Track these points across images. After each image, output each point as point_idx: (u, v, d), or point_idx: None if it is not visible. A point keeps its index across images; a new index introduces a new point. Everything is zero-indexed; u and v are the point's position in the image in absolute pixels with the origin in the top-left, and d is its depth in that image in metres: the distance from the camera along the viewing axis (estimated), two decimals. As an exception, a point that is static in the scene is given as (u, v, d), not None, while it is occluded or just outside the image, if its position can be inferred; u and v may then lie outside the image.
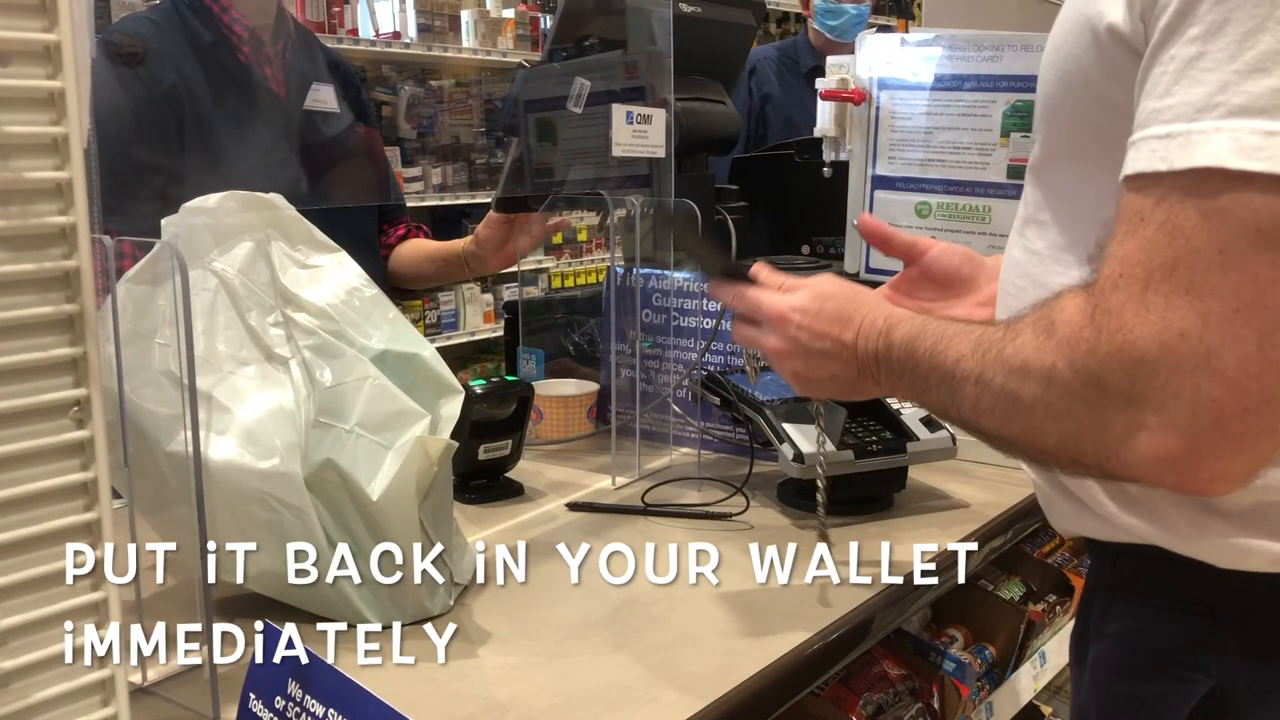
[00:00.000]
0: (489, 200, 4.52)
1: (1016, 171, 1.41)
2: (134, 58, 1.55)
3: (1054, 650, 1.47)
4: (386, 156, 2.12)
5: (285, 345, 1.01)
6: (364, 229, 1.81)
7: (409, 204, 3.99)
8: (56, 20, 0.58)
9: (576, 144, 1.63)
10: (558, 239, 4.78)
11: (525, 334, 1.80)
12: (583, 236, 4.82)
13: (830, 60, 1.56)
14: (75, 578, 0.63)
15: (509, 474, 1.40)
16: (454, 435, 1.01)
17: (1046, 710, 1.58)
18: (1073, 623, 1.56)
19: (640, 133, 1.37)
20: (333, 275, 1.04)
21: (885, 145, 1.51)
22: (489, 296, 4.54)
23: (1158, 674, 0.80)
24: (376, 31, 3.94)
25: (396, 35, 3.98)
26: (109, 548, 0.63)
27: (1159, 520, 0.77)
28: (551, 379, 1.71)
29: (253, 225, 1.03)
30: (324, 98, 1.73)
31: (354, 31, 3.81)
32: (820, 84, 1.54)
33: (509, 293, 4.60)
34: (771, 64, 3.14)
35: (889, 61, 1.48)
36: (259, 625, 0.81)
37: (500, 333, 4.46)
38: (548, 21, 4.58)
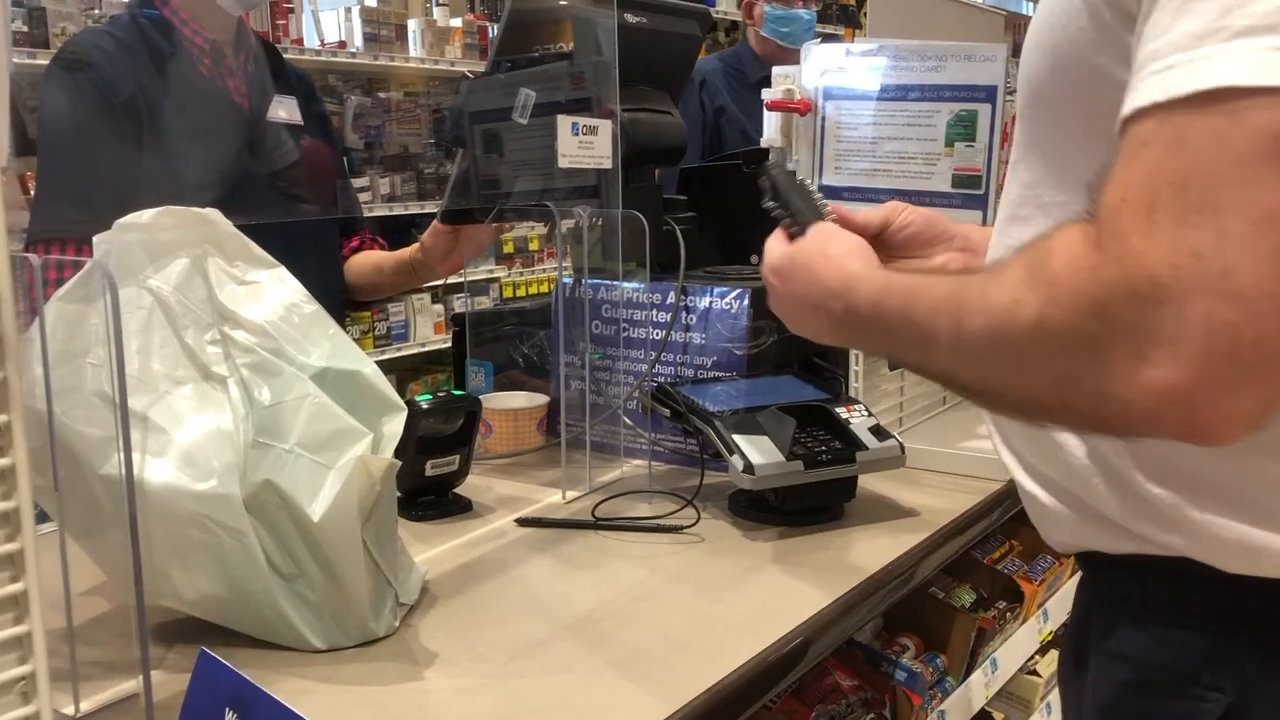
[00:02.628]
0: (437, 210, 4.49)
1: (961, 181, 1.42)
2: (84, 66, 1.52)
3: (1005, 657, 1.48)
4: (345, 169, 2.11)
5: (223, 364, 0.98)
6: (327, 241, 1.80)
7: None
8: (-30, 34, 0.56)
9: (522, 155, 1.61)
10: (509, 248, 4.76)
11: (474, 346, 1.79)
12: (534, 246, 4.81)
13: (775, 71, 1.56)
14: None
15: (457, 489, 1.38)
16: (399, 451, 0.99)
17: (999, 716, 1.58)
18: (1039, 630, 1.57)
19: (586, 144, 1.36)
20: (271, 291, 1.02)
21: (831, 155, 1.51)
22: (439, 307, 4.50)
23: (1173, 694, 0.78)
24: (322, 41, 3.90)
25: (342, 45, 3.94)
26: (33, 578, 0.61)
27: (1171, 523, 0.75)
28: (500, 391, 1.70)
29: (188, 241, 1.01)
30: (286, 111, 1.71)
31: (299, 41, 3.77)
32: (766, 94, 1.53)
33: (459, 303, 4.57)
34: (719, 75, 3.11)
35: (834, 71, 1.49)
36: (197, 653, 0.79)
37: (450, 343, 4.44)
38: (495, 30, 4.56)
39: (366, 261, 1.83)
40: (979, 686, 1.40)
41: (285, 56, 1.81)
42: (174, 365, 0.97)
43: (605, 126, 1.39)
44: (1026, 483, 0.89)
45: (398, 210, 4.27)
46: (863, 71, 1.47)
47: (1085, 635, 0.86)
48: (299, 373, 0.96)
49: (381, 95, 4.45)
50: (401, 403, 0.99)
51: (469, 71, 1.64)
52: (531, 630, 1.02)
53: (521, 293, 4.67)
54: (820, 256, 0.95)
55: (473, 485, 1.40)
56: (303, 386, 0.95)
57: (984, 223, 1.41)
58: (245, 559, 0.94)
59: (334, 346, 0.99)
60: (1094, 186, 0.65)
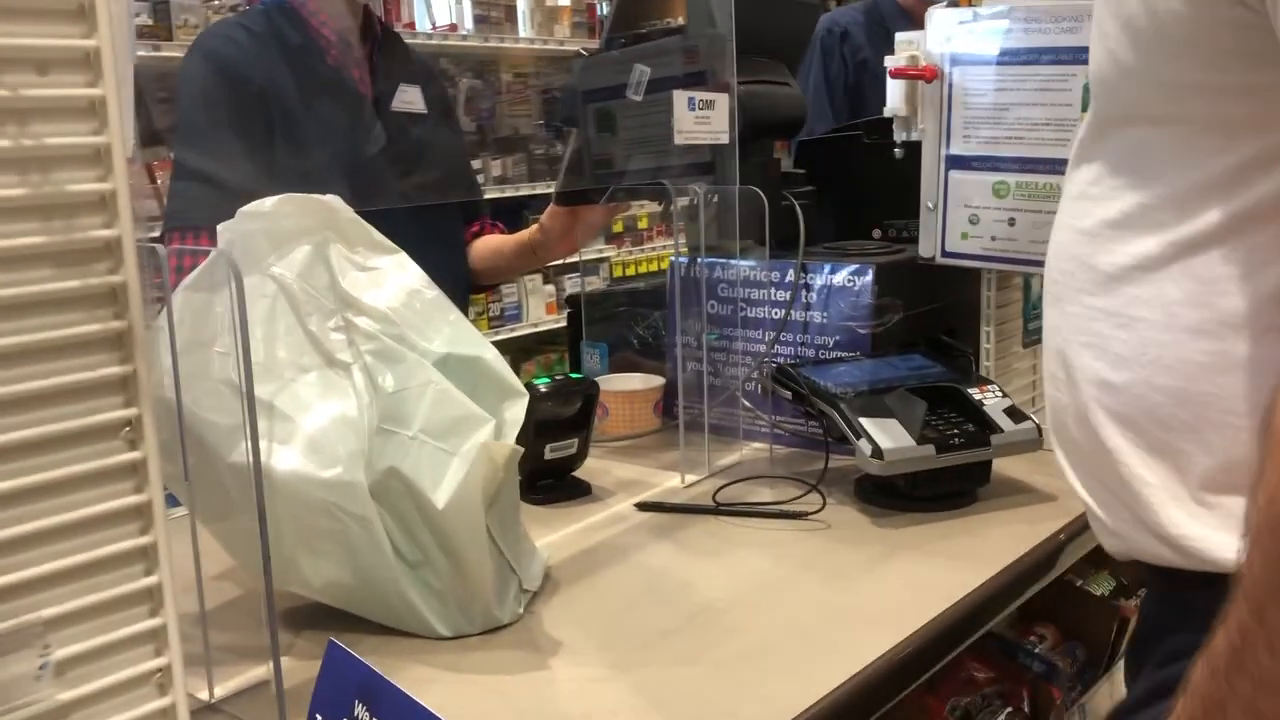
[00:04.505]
0: (549, 191, 4.49)
1: (1100, 147, 1.34)
2: (218, 57, 1.55)
3: (1148, 647, 1.41)
4: (467, 156, 2.12)
5: (346, 350, 0.98)
6: (452, 228, 1.80)
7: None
8: (95, 25, 0.56)
9: (636, 133, 1.59)
10: (618, 227, 4.75)
11: (588, 326, 1.77)
12: (643, 224, 4.79)
13: (899, 37, 1.49)
14: (132, 604, 0.60)
15: (576, 473, 1.37)
16: (518, 437, 0.97)
17: None
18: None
19: (703, 119, 1.33)
20: (393, 278, 1.01)
21: (959, 124, 1.44)
22: (551, 288, 4.52)
23: None
24: (433, 24, 3.93)
25: (453, 28, 3.97)
26: (166, 572, 0.60)
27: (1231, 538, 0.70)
28: (616, 373, 1.68)
29: (310, 228, 1.01)
30: (411, 99, 1.73)
31: (410, 25, 3.81)
32: (889, 62, 1.48)
33: (571, 284, 4.58)
34: (861, 29, 2.90)
35: (961, 36, 1.42)
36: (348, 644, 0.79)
37: (563, 324, 4.45)
38: (604, 8, 4.54)
39: (487, 246, 1.83)
40: (1120, 681, 1.33)
41: (399, 42, 1.83)
42: (299, 353, 0.97)
43: (722, 100, 1.36)
44: (1079, 488, 0.84)
45: (509, 192, 4.29)
46: (991, 35, 1.40)
47: (1155, 638, 0.81)
48: (422, 359, 0.95)
49: (490, 77, 4.47)
50: (523, 388, 0.98)
51: (583, 49, 1.61)
52: (656, 619, 1.00)
53: (630, 271, 4.66)
54: None
55: (590, 468, 1.39)
56: (425, 373, 0.94)
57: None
58: (371, 546, 0.94)
59: (455, 332, 0.98)
60: None
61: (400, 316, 0.98)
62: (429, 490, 0.91)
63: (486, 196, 4.19)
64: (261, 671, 0.91)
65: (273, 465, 0.92)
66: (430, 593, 0.96)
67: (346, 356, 0.98)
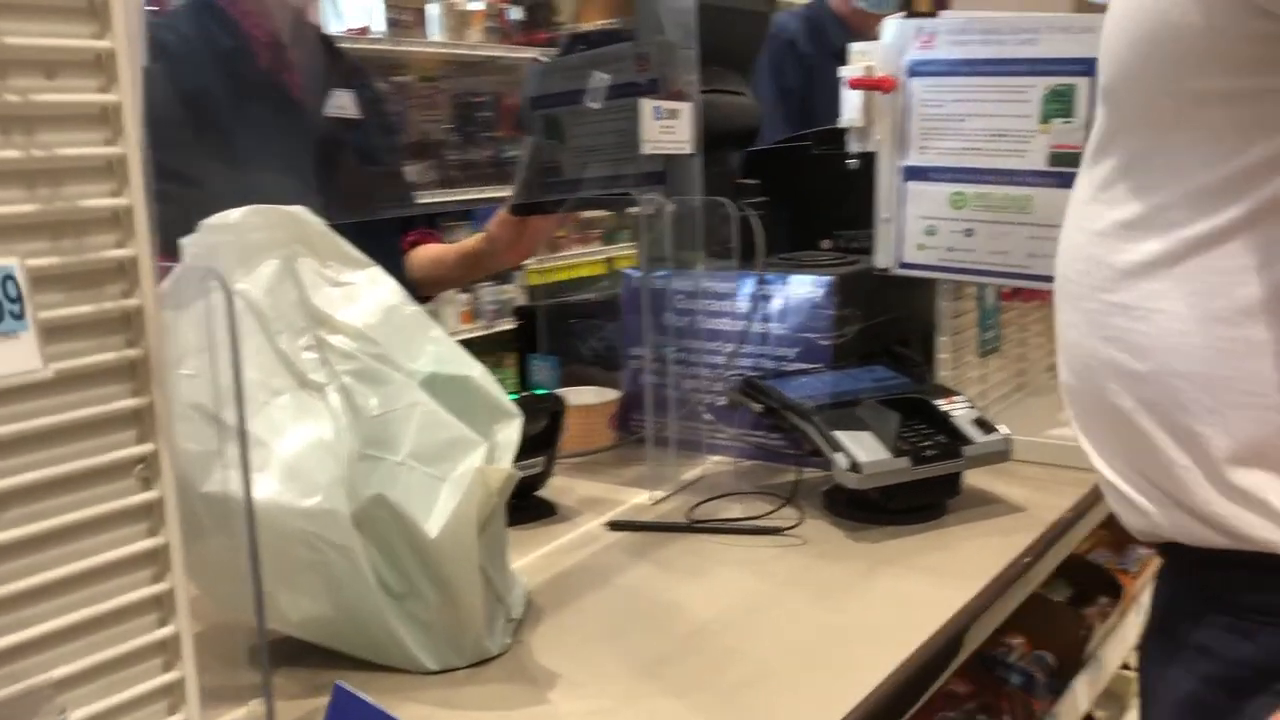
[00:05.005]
0: (463, 198, 4.41)
1: (1059, 159, 1.35)
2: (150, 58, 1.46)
3: (1107, 654, 1.43)
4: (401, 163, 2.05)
5: (320, 371, 0.93)
6: (388, 238, 1.74)
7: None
8: (109, 25, 0.51)
9: (588, 141, 1.55)
10: (533, 235, 4.68)
11: (530, 339, 1.73)
12: (560, 233, 4.73)
13: (854, 47, 1.49)
14: (146, 658, 0.55)
15: (539, 492, 1.33)
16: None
17: (1100, 715, 1.53)
18: (1140, 625, 1.51)
19: (668, 128, 1.30)
20: (368, 293, 0.96)
21: (916, 135, 1.45)
22: (466, 296, 4.44)
23: (1256, 690, 0.75)
24: (344, 27, 3.82)
25: (364, 30, 3.87)
26: (185, 621, 0.55)
27: (1264, 516, 0.73)
28: (567, 387, 1.64)
29: (278, 242, 0.95)
30: (345, 104, 1.66)
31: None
32: (845, 72, 1.47)
33: (487, 294, 4.51)
34: (805, 36, 2.88)
35: (918, 47, 1.42)
36: (331, 682, 0.74)
37: (478, 333, 4.39)
38: (516, 14, 4.49)
39: (427, 255, 1.78)
40: (1085, 686, 1.35)
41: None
42: (269, 374, 0.92)
43: (685, 110, 1.33)
44: (1106, 471, 0.86)
45: (422, 199, 4.20)
46: (949, 46, 1.41)
47: (1170, 628, 0.83)
48: (408, 379, 0.90)
49: (398, 80, 4.37)
50: (515, 409, 0.94)
51: (539, 56, 1.57)
52: (652, 645, 0.96)
53: (549, 280, 4.60)
54: None
55: (552, 487, 1.35)
56: (412, 394, 0.89)
57: (1083, 203, 1.35)
58: (353, 578, 0.88)
59: (440, 350, 0.94)
60: None
61: (380, 334, 0.93)
62: (420, 519, 0.87)
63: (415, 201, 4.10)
64: (240, 713, 0.85)
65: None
66: (417, 625, 0.91)
67: (320, 377, 0.93)
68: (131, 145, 0.52)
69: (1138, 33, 0.73)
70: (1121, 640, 1.47)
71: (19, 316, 0.42)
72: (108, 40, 0.51)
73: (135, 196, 0.52)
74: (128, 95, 0.51)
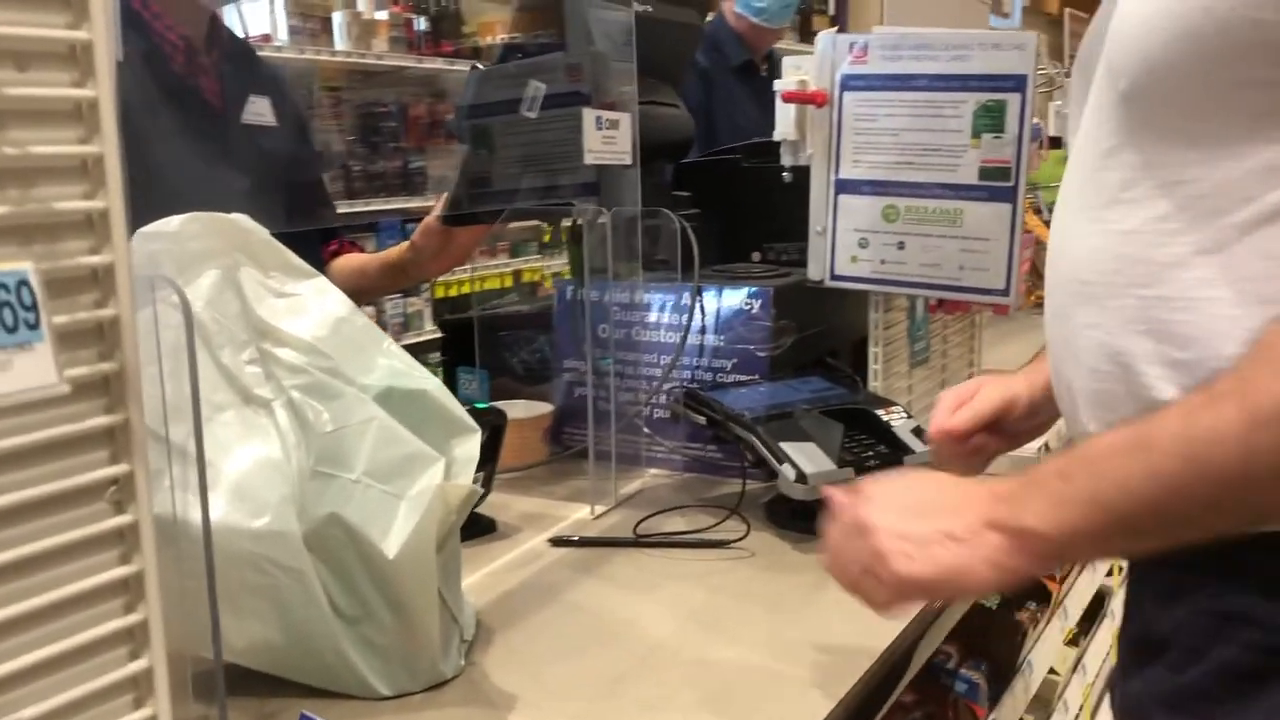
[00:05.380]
0: (367, 209, 4.31)
1: (989, 173, 1.38)
2: None
3: (1038, 659, 1.45)
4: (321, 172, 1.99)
5: (265, 385, 0.89)
6: (308, 249, 1.68)
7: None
8: (86, 14, 0.47)
9: (521, 151, 1.53)
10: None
11: (458, 352, 1.70)
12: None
13: (787, 61, 1.50)
14: (116, 695, 0.51)
15: (479, 509, 1.29)
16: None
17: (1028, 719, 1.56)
18: (1063, 629, 1.54)
19: (609, 139, 1.29)
20: (315, 304, 0.93)
21: (849, 148, 1.46)
22: (371, 309, 4.36)
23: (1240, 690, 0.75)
24: (246, 34, 3.72)
25: (266, 38, 3.78)
26: (159, 654, 0.52)
27: None
28: (497, 401, 1.61)
29: (218, 251, 0.91)
30: (262, 111, 1.60)
31: (221, 34, 3.59)
32: (779, 85, 1.48)
33: (391, 305, 4.43)
34: (704, 57, 2.92)
35: (852, 61, 1.44)
36: (280, 711, 0.70)
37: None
38: (422, 24, 4.43)
39: (349, 265, 1.73)
40: (1021, 693, 1.37)
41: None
42: (211, 389, 0.87)
43: (625, 120, 1.32)
44: None
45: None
46: (883, 61, 1.42)
47: (1175, 601, 0.80)
48: (361, 394, 0.87)
49: (301, 90, 4.28)
50: (474, 423, 0.91)
51: (475, 64, 1.55)
52: (610, 663, 0.94)
53: (455, 292, 4.54)
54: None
55: (489, 503, 1.32)
56: (366, 409, 0.86)
57: (1013, 216, 1.38)
58: (305, 601, 0.85)
59: (394, 363, 0.91)
60: None
61: (329, 347, 0.90)
62: (377, 539, 0.83)
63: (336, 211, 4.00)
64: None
65: (193, 516, 0.81)
66: (370, 649, 0.88)
67: (265, 392, 0.89)
68: (108, 144, 0.48)
69: (1175, 29, 0.73)
70: (1052, 645, 1.50)
71: (34, 326, 0.39)
72: (84, 31, 0.47)
73: (112, 199, 0.48)
74: (105, 90, 0.48)
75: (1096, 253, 0.80)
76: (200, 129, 1.51)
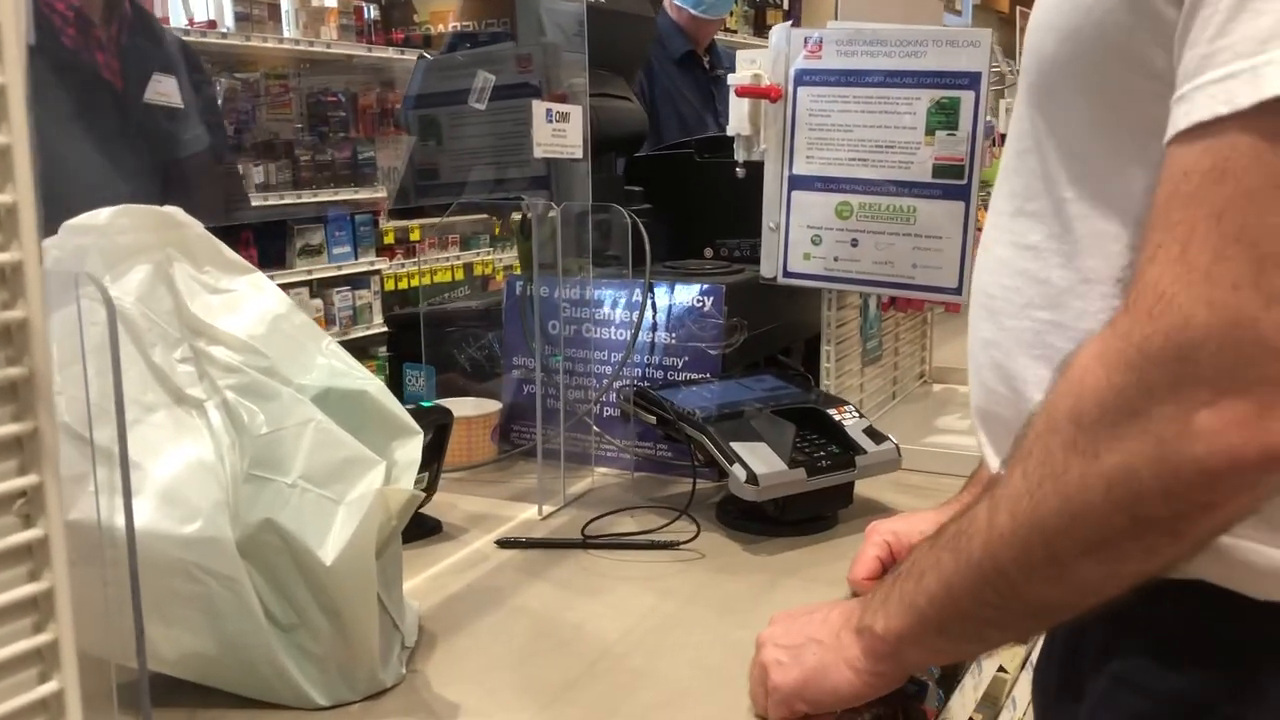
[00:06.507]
0: (315, 200, 4.25)
1: (942, 170, 1.37)
2: None
3: (985, 660, 1.45)
4: (230, 158, 1.93)
5: (198, 385, 0.85)
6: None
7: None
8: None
9: (469, 143, 1.51)
10: (389, 238, 4.57)
11: (400, 348, 1.66)
12: (415, 236, 4.63)
13: (741, 55, 1.48)
14: (26, 717, 0.48)
15: (423, 509, 1.26)
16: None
17: (977, 717, 1.55)
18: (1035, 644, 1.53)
19: (559, 132, 1.26)
20: (251, 301, 0.89)
21: (802, 144, 1.44)
22: (318, 302, 4.29)
23: None
24: (191, 20, 3.65)
25: (212, 24, 3.70)
26: (71, 676, 0.49)
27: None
28: (444, 398, 1.58)
29: (150, 245, 0.87)
30: (166, 91, 1.54)
31: (165, 20, 3.51)
32: (733, 79, 1.46)
33: (340, 298, 4.37)
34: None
35: (806, 56, 1.42)
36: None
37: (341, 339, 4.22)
38: (372, 11, 4.36)
39: None
40: (970, 691, 1.36)
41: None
42: (141, 389, 0.84)
43: (576, 113, 1.30)
44: None
45: (273, 200, 4.04)
46: (837, 56, 1.41)
47: (1077, 657, 0.79)
48: (298, 394, 0.84)
49: (246, 77, 4.20)
50: (416, 425, 0.88)
51: (424, 53, 1.51)
52: (556, 669, 0.92)
53: (404, 285, 4.49)
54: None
55: (435, 503, 1.29)
56: (304, 410, 0.83)
57: (966, 214, 1.37)
58: (238, 610, 0.82)
59: (332, 363, 0.88)
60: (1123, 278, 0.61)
61: (266, 345, 0.86)
62: (314, 545, 0.80)
63: (253, 205, 3.92)
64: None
65: (119, 522, 0.78)
66: (307, 659, 0.85)
67: (198, 392, 0.86)
68: (16, 133, 0.45)
69: (1063, 32, 0.69)
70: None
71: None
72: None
73: (21, 193, 0.45)
74: (14, 75, 0.45)
75: (1001, 265, 0.78)
76: (95, 108, 1.43)
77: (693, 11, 2.99)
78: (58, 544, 0.48)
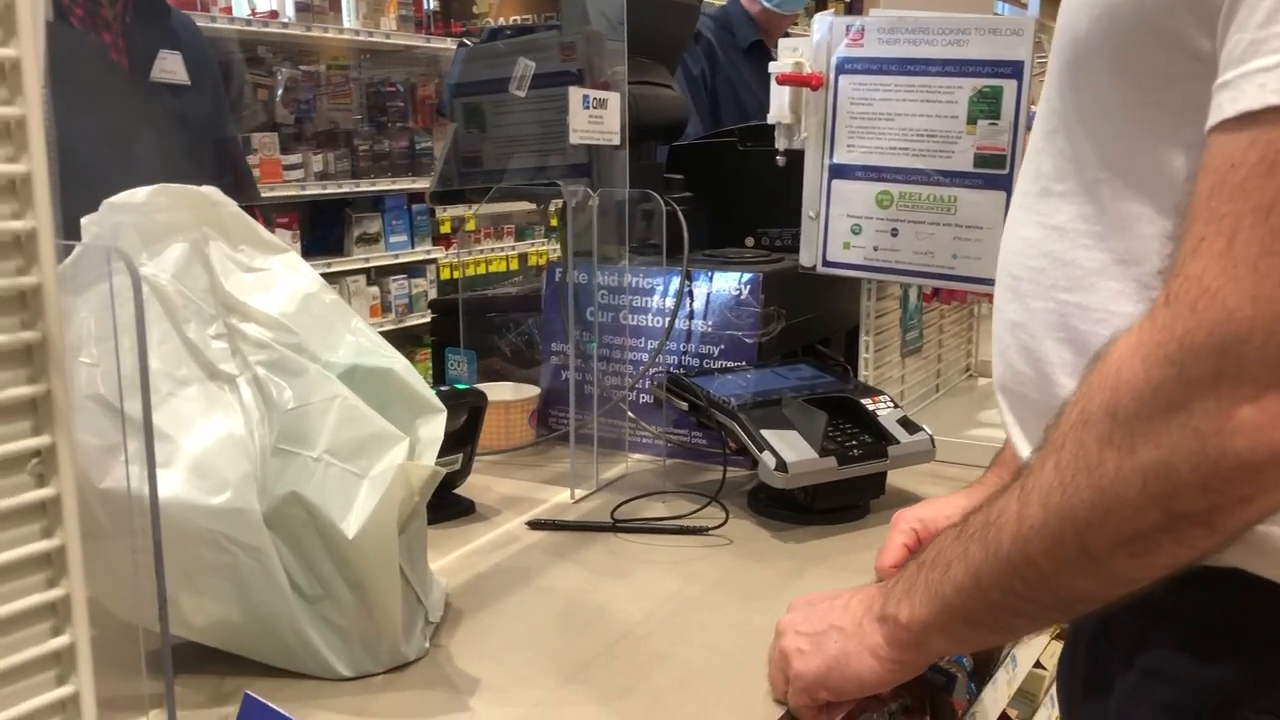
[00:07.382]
0: (373, 190, 4.30)
1: (984, 160, 1.36)
2: None
3: (1022, 653, 1.43)
4: (238, 138, 1.93)
5: (230, 361, 0.88)
6: None
7: (289, 192, 3.78)
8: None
9: (511, 131, 1.52)
10: (445, 228, 4.62)
11: (446, 333, 1.68)
12: (470, 226, 4.67)
13: (783, 43, 1.48)
14: (38, 670, 0.50)
15: (458, 490, 1.28)
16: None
17: (1013, 714, 1.54)
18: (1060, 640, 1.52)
19: (596, 118, 1.27)
20: (284, 280, 0.91)
21: (843, 132, 1.44)
22: (375, 290, 4.35)
23: (1221, 716, 0.69)
24: (253, 10, 3.71)
25: (274, 14, 3.76)
26: (82, 630, 0.51)
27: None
28: (484, 383, 1.60)
29: (186, 224, 0.90)
30: (173, 68, 1.55)
31: (227, 10, 3.58)
32: (774, 68, 1.46)
33: (396, 286, 4.43)
34: (712, 34, 2.94)
35: (848, 44, 1.42)
36: (238, 690, 0.69)
37: (388, 327, 4.30)
38: (432, 3, 4.41)
39: None
40: (1003, 686, 1.35)
41: (213, 26, 1.64)
42: (175, 364, 0.86)
43: (614, 100, 1.30)
44: None
45: (331, 189, 4.10)
46: (879, 44, 1.40)
47: (1105, 649, 0.78)
48: (324, 371, 0.86)
49: (308, 68, 4.27)
50: (440, 403, 0.90)
51: (464, 40, 1.53)
52: (576, 648, 0.93)
53: (459, 274, 4.54)
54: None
55: (470, 485, 1.31)
56: (330, 387, 0.85)
57: (1008, 204, 1.35)
58: (264, 580, 0.84)
59: (360, 341, 0.89)
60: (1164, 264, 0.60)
61: (296, 323, 0.88)
62: (337, 518, 0.82)
63: (307, 193, 3.99)
64: (141, 725, 0.79)
65: (149, 491, 0.80)
66: (331, 630, 0.87)
67: (231, 368, 0.88)
68: (32, 105, 0.47)
69: (1100, 9, 0.67)
70: (1036, 638, 1.48)
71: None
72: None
73: (35, 162, 0.47)
74: (28, 50, 0.46)
75: (1028, 246, 0.77)
76: (102, 87, 1.44)
77: (766, 5, 2.98)
78: (70, 503, 0.49)
